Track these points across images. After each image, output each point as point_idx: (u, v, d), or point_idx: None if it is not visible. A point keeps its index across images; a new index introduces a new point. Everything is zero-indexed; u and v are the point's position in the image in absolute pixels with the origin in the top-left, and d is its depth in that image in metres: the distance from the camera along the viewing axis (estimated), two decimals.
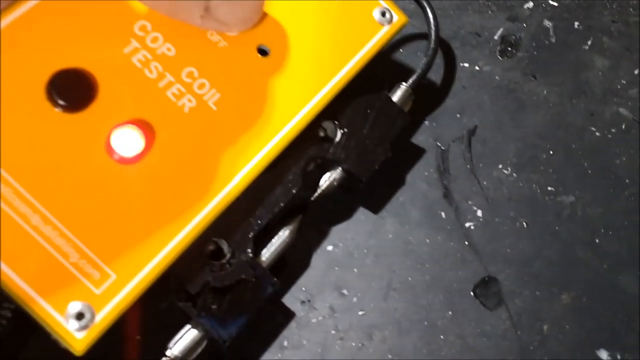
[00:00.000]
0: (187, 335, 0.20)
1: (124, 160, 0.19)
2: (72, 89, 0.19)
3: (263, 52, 0.22)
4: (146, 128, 0.19)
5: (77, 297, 0.18)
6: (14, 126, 0.18)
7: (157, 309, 0.21)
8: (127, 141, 0.19)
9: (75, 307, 0.18)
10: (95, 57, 0.19)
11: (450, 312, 0.23)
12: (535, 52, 0.28)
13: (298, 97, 0.22)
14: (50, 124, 0.18)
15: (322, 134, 0.23)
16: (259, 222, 0.21)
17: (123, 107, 0.19)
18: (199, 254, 0.20)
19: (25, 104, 0.18)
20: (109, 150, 0.19)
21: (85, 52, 0.19)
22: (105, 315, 0.18)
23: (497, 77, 0.27)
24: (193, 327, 0.20)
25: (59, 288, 0.18)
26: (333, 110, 0.22)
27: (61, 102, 0.18)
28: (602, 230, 0.25)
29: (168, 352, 0.20)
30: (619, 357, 0.23)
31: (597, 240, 0.24)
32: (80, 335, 0.18)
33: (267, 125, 0.21)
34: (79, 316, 0.18)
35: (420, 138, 0.26)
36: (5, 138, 0.18)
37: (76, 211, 0.18)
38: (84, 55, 0.19)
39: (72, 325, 0.18)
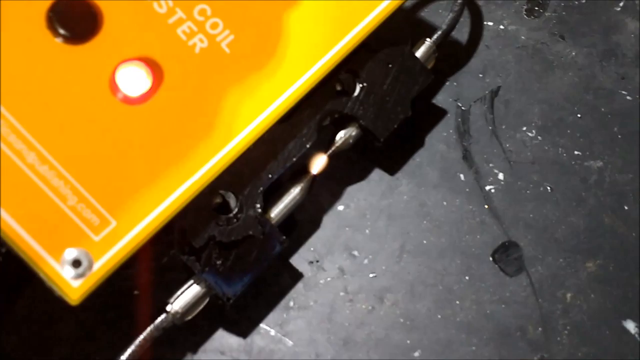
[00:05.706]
0: (189, 291, 0.20)
1: (128, 100, 0.18)
2: (75, 18, 0.17)
3: None
4: (153, 67, 0.19)
5: (74, 243, 0.17)
6: (11, 56, 0.17)
7: (158, 263, 0.20)
8: (133, 79, 0.18)
9: (71, 253, 0.17)
10: None
11: (467, 277, 0.23)
12: (563, 13, 0.27)
13: (317, 46, 0.21)
14: (50, 55, 0.17)
15: (339, 87, 0.22)
16: (270, 176, 0.21)
17: (129, 42, 0.18)
18: (205, 206, 0.19)
19: (25, 32, 0.17)
20: (113, 88, 0.18)
21: None
22: (103, 264, 0.17)
23: (522, 37, 0.27)
24: (196, 282, 0.20)
25: (54, 232, 0.17)
26: (353, 63, 0.22)
27: (62, 32, 0.17)
28: (631, 197, 0.24)
29: (168, 307, 0.19)
30: None
31: (625, 207, 0.24)
32: (76, 283, 0.17)
33: (282, 74, 0.20)
34: (76, 263, 0.17)
35: (439, 97, 0.26)
36: (1, 68, 0.17)
37: (75, 151, 0.17)
38: None
39: (68, 272, 0.17)
